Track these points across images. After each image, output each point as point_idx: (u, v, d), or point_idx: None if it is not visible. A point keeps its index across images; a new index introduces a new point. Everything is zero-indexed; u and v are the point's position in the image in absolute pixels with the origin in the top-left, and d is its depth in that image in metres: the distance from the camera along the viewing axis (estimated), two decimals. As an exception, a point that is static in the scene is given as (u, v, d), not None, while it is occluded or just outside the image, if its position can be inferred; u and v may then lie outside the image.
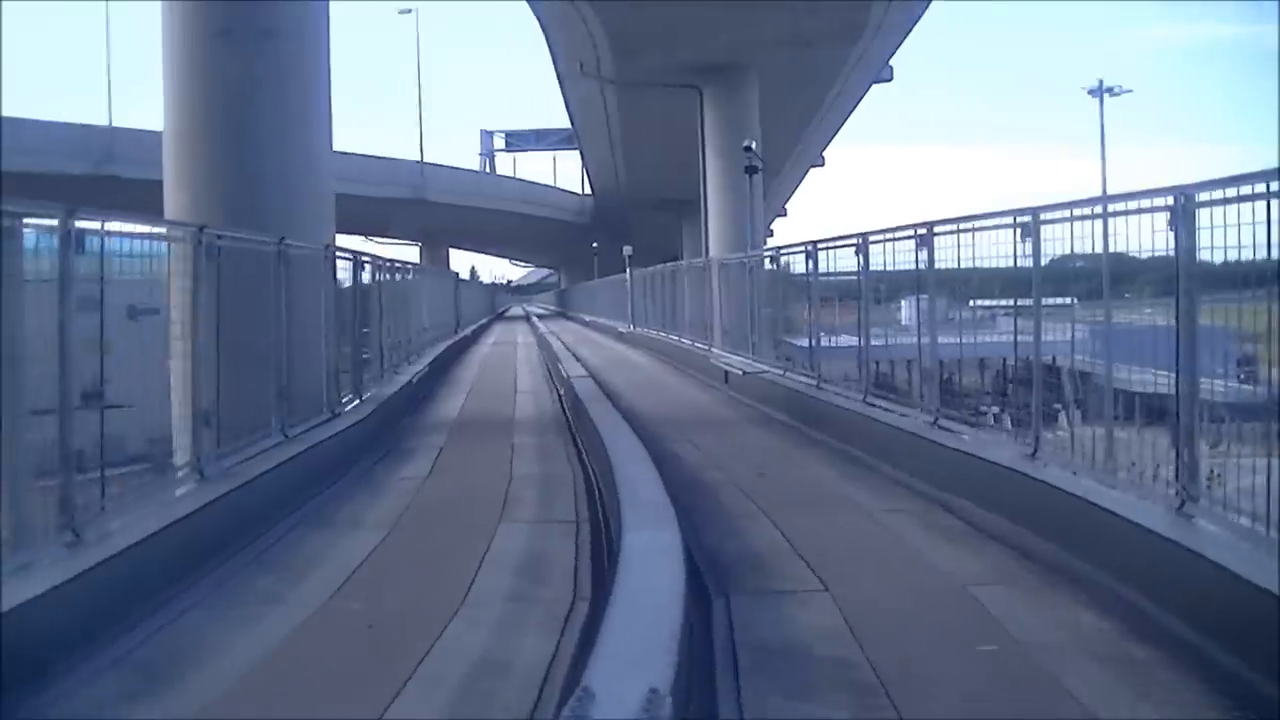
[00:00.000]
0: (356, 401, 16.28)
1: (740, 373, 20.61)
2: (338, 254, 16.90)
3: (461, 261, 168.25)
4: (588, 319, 60.71)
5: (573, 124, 64.15)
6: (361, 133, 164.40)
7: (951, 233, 11.85)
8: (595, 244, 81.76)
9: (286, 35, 16.21)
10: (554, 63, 49.02)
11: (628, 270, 43.94)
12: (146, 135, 56.74)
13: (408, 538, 9.78)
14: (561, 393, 20.52)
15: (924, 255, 12.42)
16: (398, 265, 22.60)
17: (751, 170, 36.71)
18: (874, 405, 13.97)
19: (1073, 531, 8.20)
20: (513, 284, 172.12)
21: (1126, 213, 8.25)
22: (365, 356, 18.02)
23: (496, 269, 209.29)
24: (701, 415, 18.58)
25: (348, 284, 17.74)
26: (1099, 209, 8.85)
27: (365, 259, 18.39)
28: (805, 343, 18.06)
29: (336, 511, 10.83)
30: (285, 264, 12.69)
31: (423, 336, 28.24)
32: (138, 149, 54.72)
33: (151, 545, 7.92)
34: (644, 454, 11.26)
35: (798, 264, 18.54)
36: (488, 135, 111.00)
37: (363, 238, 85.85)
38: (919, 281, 12.79)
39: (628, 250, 49.57)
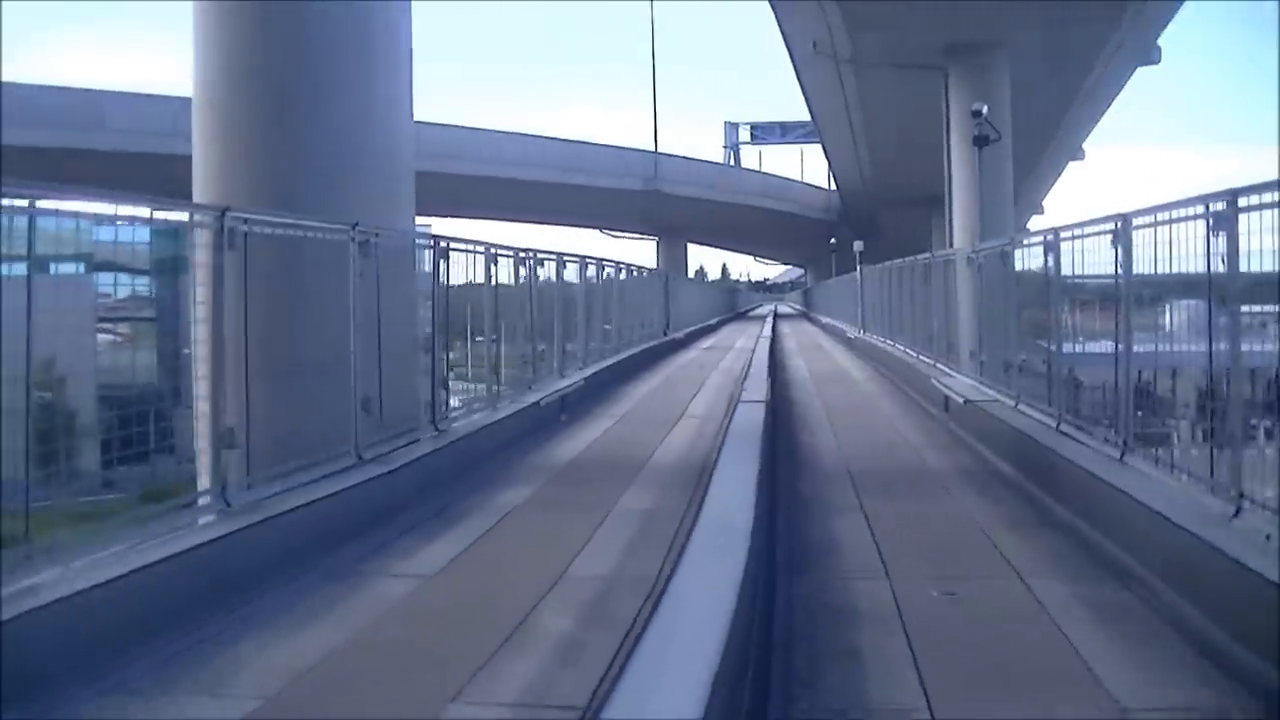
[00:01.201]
0: (433, 433, 12.04)
1: (961, 400, 15.79)
2: (416, 241, 12.69)
3: (712, 259, 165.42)
4: (824, 321, 55.88)
5: (812, 114, 59.48)
6: (598, 123, 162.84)
7: (1269, 205, 7.03)
8: (833, 240, 76.37)
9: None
10: (788, 48, 44.90)
11: (858, 269, 38.88)
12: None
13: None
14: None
15: (1221, 243, 7.62)
16: (542, 256, 18.18)
17: (981, 141, 31.32)
18: (1134, 466, 9.20)
19: None
20: (767, 282, 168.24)
21: None
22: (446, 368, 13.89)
23: (748, 267, 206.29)
24: (899, 465, 13.82)
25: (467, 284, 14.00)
26: None
27: (462, 247, 13.93)
28: (1043, 362, 13.35)
29: (210, 657, 6.42)
30: (237, 249, 8.32)
31: (602, 343, 24.25)
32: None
33: None
34: (734, 575, 6.58)
35: (1036, 260, 13.72)
36: (732, 128, 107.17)
37: (598, 231, 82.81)
38: (1213, 283, 7.95)
39: (858, 246, 44.43)
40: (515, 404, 15.29)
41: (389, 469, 10.31)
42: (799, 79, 50.42)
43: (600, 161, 65.50)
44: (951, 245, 35.02)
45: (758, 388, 18.55)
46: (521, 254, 17.01)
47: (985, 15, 34.48)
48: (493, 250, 15.36)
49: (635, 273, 31.13)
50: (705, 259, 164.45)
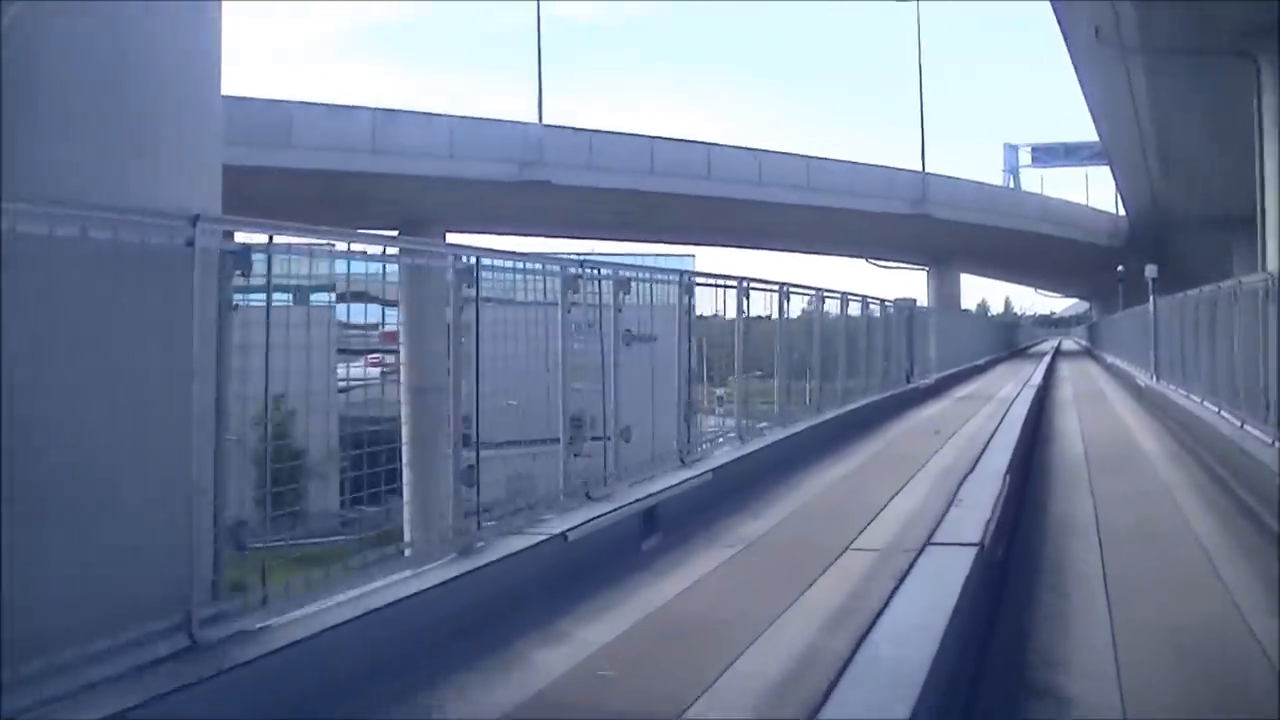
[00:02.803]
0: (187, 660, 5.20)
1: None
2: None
3: (995, 293, 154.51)
4: (1109, 360, 46.75)
5: (1096, 124, 51.02)
6: (858, 145, 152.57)
7: None
8: (1120, 268, 66.40)
9: None
10: (1066, 43, 37.73)
11: (1150, 299, 30.26)
12: (578, 135, 48.42)
13: None
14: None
15: None
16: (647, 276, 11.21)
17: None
18: None
19: None
20: (1053, 316, 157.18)
21: None
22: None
23: (1032, 300, 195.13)
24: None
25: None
26: None
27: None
28: None
29: None
30: None
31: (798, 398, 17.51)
32: (570, 151, 46.11)
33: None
34: None
35: None
36: (1012, 150, 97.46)
37: (864, 261, 75.04)
38: None
39: (1151, 271, 35.49)
40: (523, 537, 8.26)
41: None
42: (1080, 81, 42.77)
43: (863, 182, 57.60)
44: (1263, 269, 26.56)
45: (981, 498, 10.94)
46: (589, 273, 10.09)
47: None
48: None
49: (865, 305, 23.63)
50: (987, 292, 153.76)
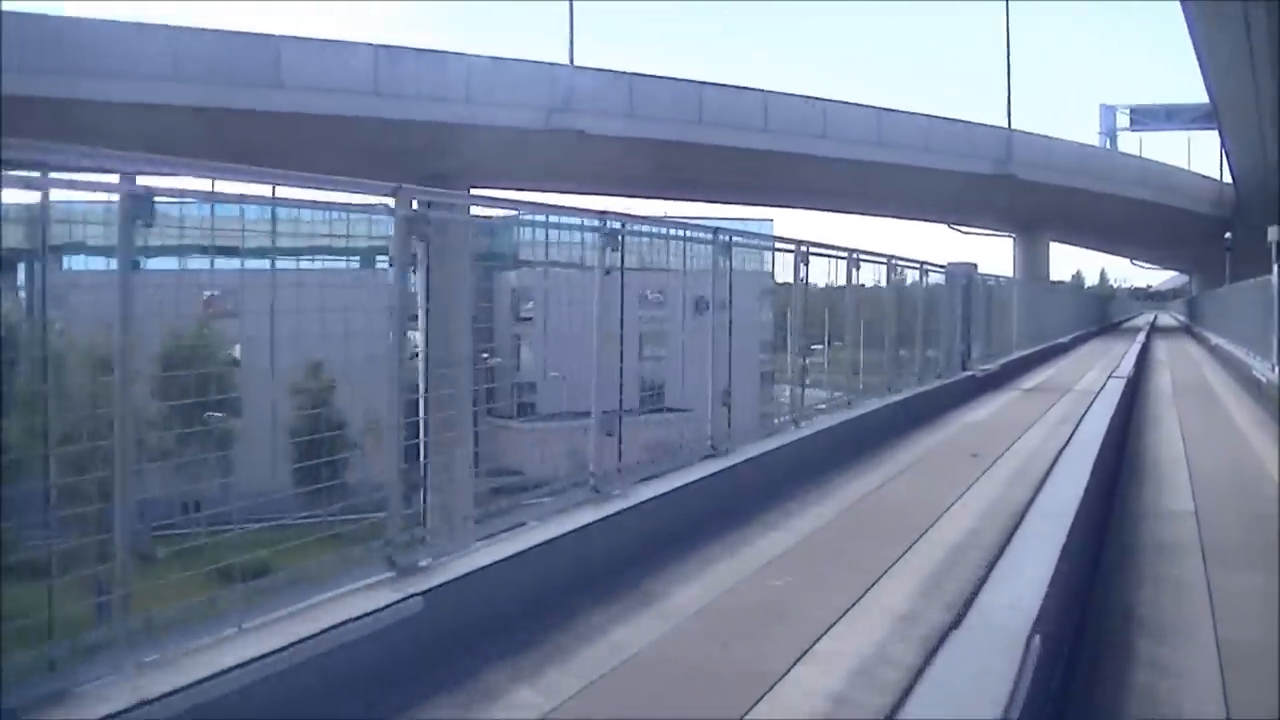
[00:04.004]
0: None
1: None
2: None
3: (1090, 264, 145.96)
4: (1213, 342, 39.81)
5: (1205, 82, 44.25)
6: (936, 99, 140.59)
7: None
8: (1228, 235, 58.92)
9: None
10: None
11: (1274, 269, 23.62)
12: (615, 79, 42.46)
13: None
14: None
15: None
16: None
17: None
18: None
19: None
20: (1150, 289, 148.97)
21: None
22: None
23: (1127, 272, 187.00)
24: None
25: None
26: None
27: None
28: None
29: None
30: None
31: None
32: (606, 96, 40.26)
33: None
34: None
35: None
36: (1108, 111, 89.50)
37: (944, 226, 68.36)
38: None
39: (1274, 234, 28.68)
40: None
41: None
42: (1189, 28, 36.89)
43: (940, 138, 50.84)
44: None
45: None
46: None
47: None
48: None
49: (892, 270, 17.41)
50: (1082, 263, 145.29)
